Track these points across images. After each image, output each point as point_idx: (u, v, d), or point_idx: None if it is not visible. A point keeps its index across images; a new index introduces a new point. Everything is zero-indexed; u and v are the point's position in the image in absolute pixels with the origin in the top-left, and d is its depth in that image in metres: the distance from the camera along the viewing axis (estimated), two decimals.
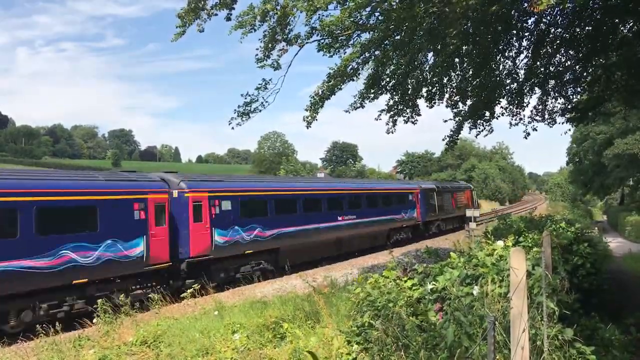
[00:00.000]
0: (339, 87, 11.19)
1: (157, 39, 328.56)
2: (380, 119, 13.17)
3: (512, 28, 11.73)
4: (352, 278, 14.72)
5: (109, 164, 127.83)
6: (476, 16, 9.10)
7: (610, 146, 39.59)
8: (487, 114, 14.10)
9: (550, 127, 15.50)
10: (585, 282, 7.86)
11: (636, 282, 13.35)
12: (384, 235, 27.53)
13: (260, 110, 11.18)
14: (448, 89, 13.36)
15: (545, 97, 14.50)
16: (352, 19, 9.80)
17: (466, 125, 14.28)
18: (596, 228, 20.50)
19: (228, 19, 9.59)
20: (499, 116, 14.65)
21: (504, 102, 14.37)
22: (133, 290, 14.23)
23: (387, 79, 12.09)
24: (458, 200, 38.56)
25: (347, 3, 9.23)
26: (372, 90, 11.93)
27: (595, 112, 15.46)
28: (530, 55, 12.98)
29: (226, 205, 17.72)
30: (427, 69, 12.37)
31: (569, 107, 14.97)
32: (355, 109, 12.36)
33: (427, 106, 13.49)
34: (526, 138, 15.39)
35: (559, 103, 14.86)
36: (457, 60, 11.91)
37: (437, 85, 12.98)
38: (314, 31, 10.25)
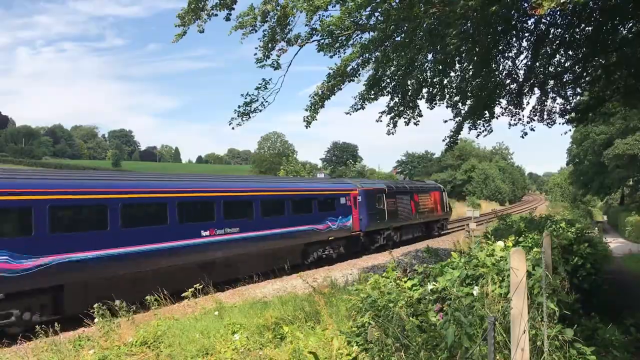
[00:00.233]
0: (339, 87, 11.21)
1: (157, 39, 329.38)
2: (381, 121, 13.21)
3: (512, 28, 11.74)
4: (352, 278, 14.77)
5: (109, 164, 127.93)
6: (476, 16, 9.11)
7: (610, 146, 39.62)
8: (487, 114, 14.12)
9: (549, 127, 15.55)
10: (585, 283, 7.85)
11: (636, 282, 13.35)
12: (296, 252, 20.20)
13: (260, 110, 11.19)
14: (448, 90, 13.38)
15: (544, 98, 14.53)
16: (352, 19, 9.82)
17: (466, 126, 14.30)
18: (596, 228, 20.47)
19: (227, 19, 9.61)
20: (498, 116, 14.69)
21: (503, 102, 14.41)
22: None
23: (388, 80, 12.11)
24: (421, 203, 31.95)
25: (347, 3, 9.24)
26: (373, 92, 11.95)
27: (595, 113, 15.46)
28: (530, 55, 13.00)
29: None
30: (427, 69, 12.39)
31: (568, 107, 15.00)
32: (356, 111, 12.39)
33: (427, 107, 13.54)
34: (523, 137, 15.44)
35: (557, 103, 14.90)
36: (457, 60, 11.92)
37: (437, 85, 13.00)
38: (314, 31, 10.27)
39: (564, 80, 14.01)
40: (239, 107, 11.15)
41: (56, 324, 9.96)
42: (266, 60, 10.42)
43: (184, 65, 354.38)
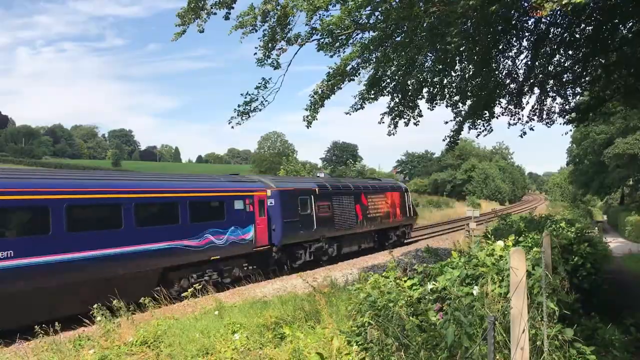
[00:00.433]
0: (339, 86, 11.22)
1: (157, 39, 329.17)
2: (383, 122, 13.23)
3: (512, 28, 11.74)
4: (352, 278, 14.79)
5: (109, 164, 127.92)
6: (476, 15, 9.11)
7: (610, 146, 39.60)
8: (487, 114, 14.13)
9: (549, 127, 15.55)
10: (585, 282, 7.86)
11: (636, 282, 13.36)
12: (149, 280, 14.21)
13: (260, 110, 11.21)
14: (448, 90, 13.38)
15: (544, 97, 14.53)
16: (352, 19, 9.82)
17: (466, 125, 14.31)
18: (596, 228, 20.47)
19: (226, 18, 9.62)
20: (498, 116, 14.70)
21: (503, 102, 14.41)
22: None
23: (388, 80, 12.12)
24: (371, 207, 26.05)
25: (348, 3, 9.24)
26: (373, 91, 11.95)
27: (595, 112, 15.47)
28: (530, 55, 13.00)
29: None
30: (427, 69, 12.39)
31: (568, 107, 15.00)
32: (356, 110, 12.40)
33: (428, 108, 13.54)
34: (522, 137, 15.47)
35: (557, 103, 14.91)
36: (457, 59, 11.93)
37: (437, 85, 13.01)
38: (314, 31, 10.28)
39: (564, 79, 14.01)
40: (238, 106, 11.18)
41: (56, 323, 9.96)
42: (266, 60, 10.43)
43: (184, 65, 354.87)
